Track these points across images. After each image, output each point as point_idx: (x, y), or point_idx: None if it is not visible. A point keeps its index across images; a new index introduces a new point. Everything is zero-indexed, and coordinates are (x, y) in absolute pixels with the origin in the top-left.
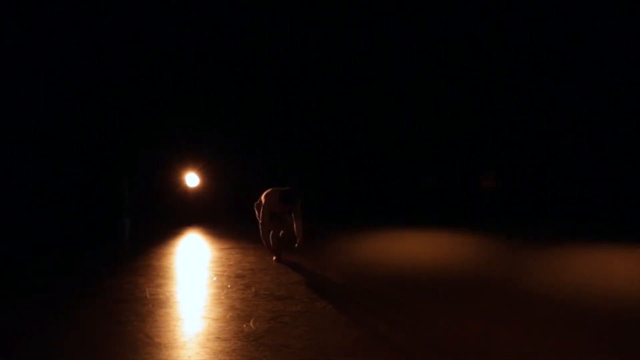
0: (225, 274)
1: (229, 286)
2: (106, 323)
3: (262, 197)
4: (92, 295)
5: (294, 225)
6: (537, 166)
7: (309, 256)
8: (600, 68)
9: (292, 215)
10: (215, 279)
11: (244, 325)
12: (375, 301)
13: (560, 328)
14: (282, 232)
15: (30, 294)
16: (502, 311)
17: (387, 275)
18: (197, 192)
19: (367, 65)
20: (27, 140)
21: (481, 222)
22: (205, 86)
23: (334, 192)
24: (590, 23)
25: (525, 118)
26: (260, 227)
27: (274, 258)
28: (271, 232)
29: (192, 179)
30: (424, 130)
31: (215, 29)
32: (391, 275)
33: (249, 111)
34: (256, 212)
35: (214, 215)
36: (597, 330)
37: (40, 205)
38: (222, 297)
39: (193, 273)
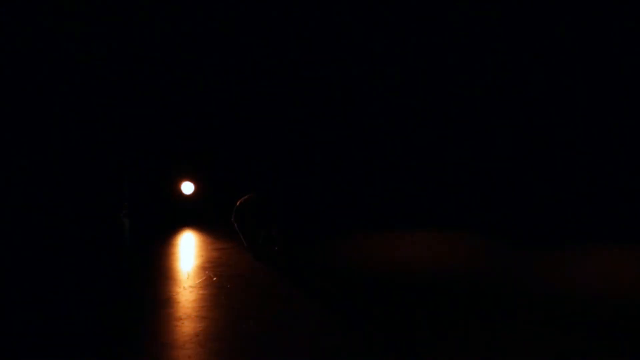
0: (225, 274)
1: (228, 286)
2: (106, 323)
3: (238, 203)
4: (91, 296)
5: (273, 231)
6: (544, 161)
7: (309, 257)
8: (606, 65)
9: (270, 222)
10: (215, 279)
11: (244, 325)
12: (375, 302)
13: (560, 330)
14: (259, 234)
15: (29, 294)
16: (503, 312)
17: (387, 276)
18: (194, 196)
19: (366, 62)
20: (26, 140)
21: (486, 218)
22: (204, 87)
23: (331, 192)
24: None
25: (530, 112)
26: (241, 234)
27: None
28: (247, 232)
29: (187, 187)
30: (424, 125)
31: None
32: (392, 276)
33: (244, 115)
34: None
35: (213, 217)
36: (597, 331)
37: (38, 205)
38: (222, 297)
39: (193, 273)
